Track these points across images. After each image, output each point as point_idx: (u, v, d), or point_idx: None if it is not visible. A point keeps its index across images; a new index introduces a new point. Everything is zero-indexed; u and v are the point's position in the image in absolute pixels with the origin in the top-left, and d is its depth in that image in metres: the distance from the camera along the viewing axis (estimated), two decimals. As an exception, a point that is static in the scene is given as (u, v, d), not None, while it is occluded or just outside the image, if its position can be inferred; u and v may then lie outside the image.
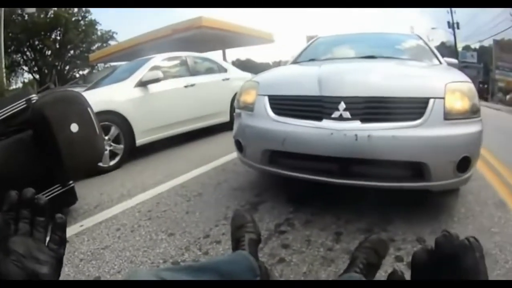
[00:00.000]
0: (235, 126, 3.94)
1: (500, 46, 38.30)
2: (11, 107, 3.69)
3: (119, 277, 2.70)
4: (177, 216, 3.68)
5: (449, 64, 4.78)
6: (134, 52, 20.57)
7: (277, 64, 8.02)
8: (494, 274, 2.53)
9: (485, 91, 41.05)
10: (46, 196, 3.53)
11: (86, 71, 37.00)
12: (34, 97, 3.75)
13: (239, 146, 3.84)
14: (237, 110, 3.98)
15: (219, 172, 5.13)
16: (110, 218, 3.78)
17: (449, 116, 2.99)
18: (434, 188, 3.22)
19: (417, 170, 3.05)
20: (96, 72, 32.80)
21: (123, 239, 3.29)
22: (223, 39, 24.56)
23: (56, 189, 3.74)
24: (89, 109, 3.81)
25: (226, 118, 8.57)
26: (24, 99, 3.72)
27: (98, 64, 34.49)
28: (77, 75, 35.82)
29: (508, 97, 34.26)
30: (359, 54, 5.06)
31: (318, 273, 2.59)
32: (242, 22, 28.58)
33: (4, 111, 3.66)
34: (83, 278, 2.70)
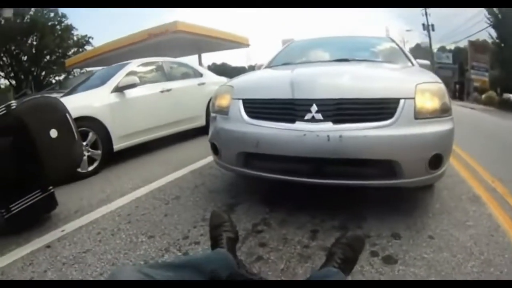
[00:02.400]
0: (211, 130, 4.00)
1: (474, 47, 38.77)
2: None
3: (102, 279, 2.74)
4: (156, 219, 3.73)
5: (421, 65, 4.87)
6: (111, 57, 20.50)
7: (252, 68, 8.06)
8: (469, 265, 2.66)
9: (461, 91, 41.55)
10: (26, 202, 3.63)
11: (62, 77, 36.53)
12: (14, 103, 3.77)
13: (215, 149, 3.90)
14: (212, 114, 4.03)
15: (196, 175, 5.19)
16: (91, 222, 3.82)
17: (419, 116, 3.10)
18: (407, 185, 3.31)
19: (389, 168, 3.13)
20: (72, 78, 32.38)
21: (104, 242, 3.34)
22: (198, 44, 24.47)
23: (36, 195, 3.77)
24: (67, 115, 3.87)
25: (202, 122, 8.60)
26: (3, 106, 3.75)
27: (75, 70, 34.00)
28: (53, 81, 35.33)
29: (484, 96, 34.76)
30: (332, 57, 5.14)
31: (295, 270, 2.67)
32: (218, 26, 28.52)
33: None
34: None
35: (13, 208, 3.65)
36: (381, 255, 2.82)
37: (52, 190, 3.94)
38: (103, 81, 6.80)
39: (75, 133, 3.88)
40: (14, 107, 3.69)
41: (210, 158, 5.04)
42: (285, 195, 4.04)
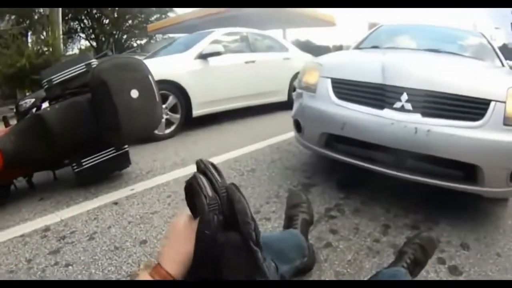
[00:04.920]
0: (295, 106, 3.90)
1: None
2: (71, 70, 3.79)
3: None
4: None
5: None
6: (192, 25, 20.51)
7: (338, 48, 7.93)
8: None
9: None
10: (99, 158, 3.75)
11: (143, 41, 36.99)
12: (94, 62, 3.84)
13: (298, 126, 3.81)
14: (298, 90, 3.93)
15: (274, 150, 5.09)
16: (162, 184, 3.83)
17: (509, 122, 2.88)
18: (485, 194, 3.12)
19: (471, 172, 2.97)
20: (154, 43, 32.72)
21: (173, 206, 3.34)
22: (283, 18, 24.15)
23: (111, 152, 3.87)
24: (150, 76, 3.87)
25: (284, 97, 8.51)
26: (83, 63, 3.81)
27: (156, 35, 34.40)
28: (135, 44, 35.88)
29: None
30: (422, 45, 4.92)
31: (362, 263, 2.58)
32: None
33: (63, 74, 3.76)
34: (129, 240, 2.78)
35: (84, 163, 3.76)
36: (448, 263, 2.68)
37: (126, 149, 4.02)
38: (186, 47, 6.85)
39: (156, 95, 3.88)
40: (94, 65, 3.75)
41: (289, 134, 5.02)
42: (359, 182, 3.91)
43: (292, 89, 8.46)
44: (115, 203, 3.46)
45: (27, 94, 14.59)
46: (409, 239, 2.32)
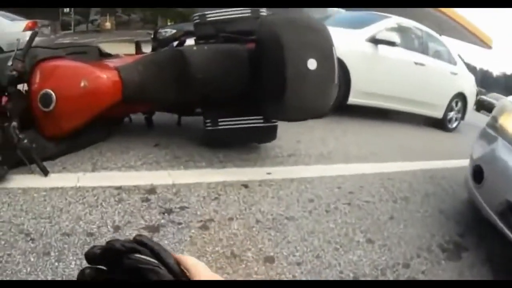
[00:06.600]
0: (482, 149, 3.27)
1: None
2: (232, 11, 3.45)
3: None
4: (380, 217, 3.12)
5: None
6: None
7: (484, 72, 7.32)
8: None
9: None
10: (242, 123, 3.36)
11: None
12: (263, 10, 3.47)
13: (478, 175, 3.10)
14: (490, 131, 3.30)
15: (427, 179, 4.43)
16: (304, 180, 3.35)
17: None
18: None
19: None
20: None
21: (314, 217, 2.83)
22: (442, 24, 23.03)
23: (258, 121, 3.45)
24: (333, 48, 3.26)
25: (439, 114, 7.89)
26: (249, 9, 3.45)
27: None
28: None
29: None
30: None
31: None
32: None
33: (221, 12, 3.45)
34: (252, 250, 2.29)
35: (221, 123, 3.39)
36: None
37: (276, 124, 3.57)
38: (354, 25, 6.49)
39: (336, 74, 3.26)
40: (264, 14, 3.41)
41: (443, 162, 4.78)
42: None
43: (449, 108, 7.98)
44: (245, 185, 3.02)
45: (169, 23, 14.76)
46: None
